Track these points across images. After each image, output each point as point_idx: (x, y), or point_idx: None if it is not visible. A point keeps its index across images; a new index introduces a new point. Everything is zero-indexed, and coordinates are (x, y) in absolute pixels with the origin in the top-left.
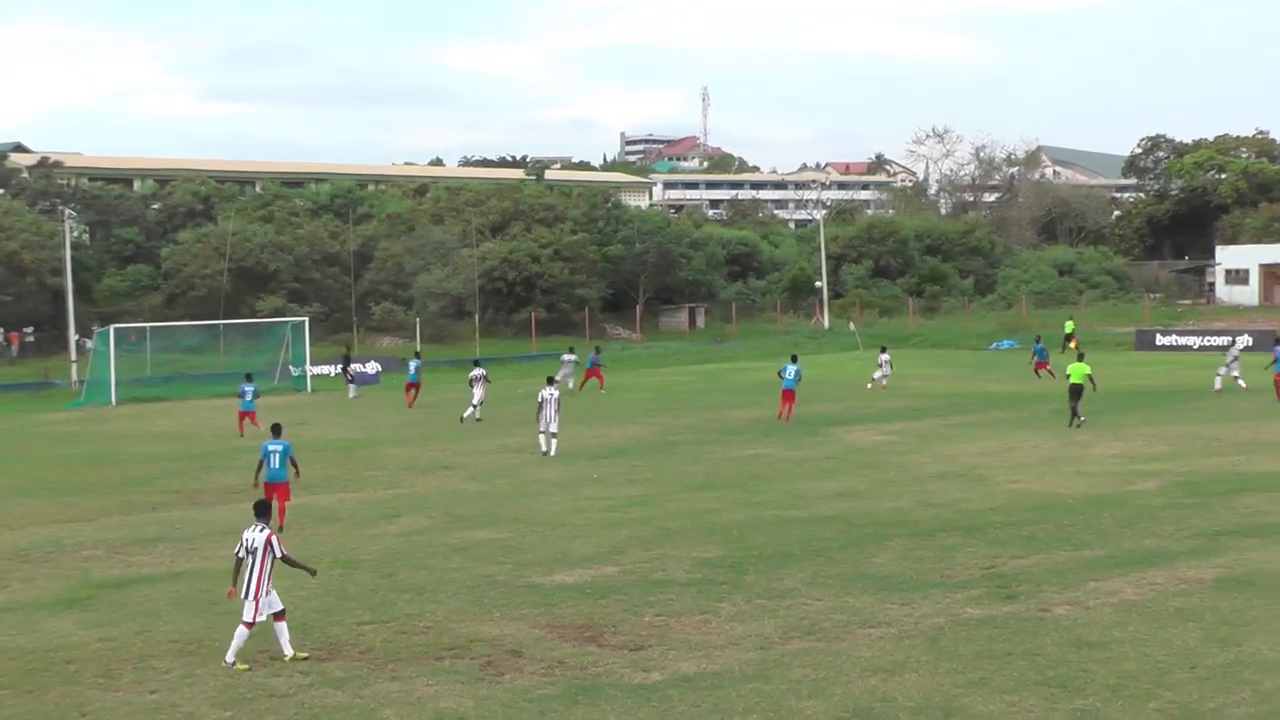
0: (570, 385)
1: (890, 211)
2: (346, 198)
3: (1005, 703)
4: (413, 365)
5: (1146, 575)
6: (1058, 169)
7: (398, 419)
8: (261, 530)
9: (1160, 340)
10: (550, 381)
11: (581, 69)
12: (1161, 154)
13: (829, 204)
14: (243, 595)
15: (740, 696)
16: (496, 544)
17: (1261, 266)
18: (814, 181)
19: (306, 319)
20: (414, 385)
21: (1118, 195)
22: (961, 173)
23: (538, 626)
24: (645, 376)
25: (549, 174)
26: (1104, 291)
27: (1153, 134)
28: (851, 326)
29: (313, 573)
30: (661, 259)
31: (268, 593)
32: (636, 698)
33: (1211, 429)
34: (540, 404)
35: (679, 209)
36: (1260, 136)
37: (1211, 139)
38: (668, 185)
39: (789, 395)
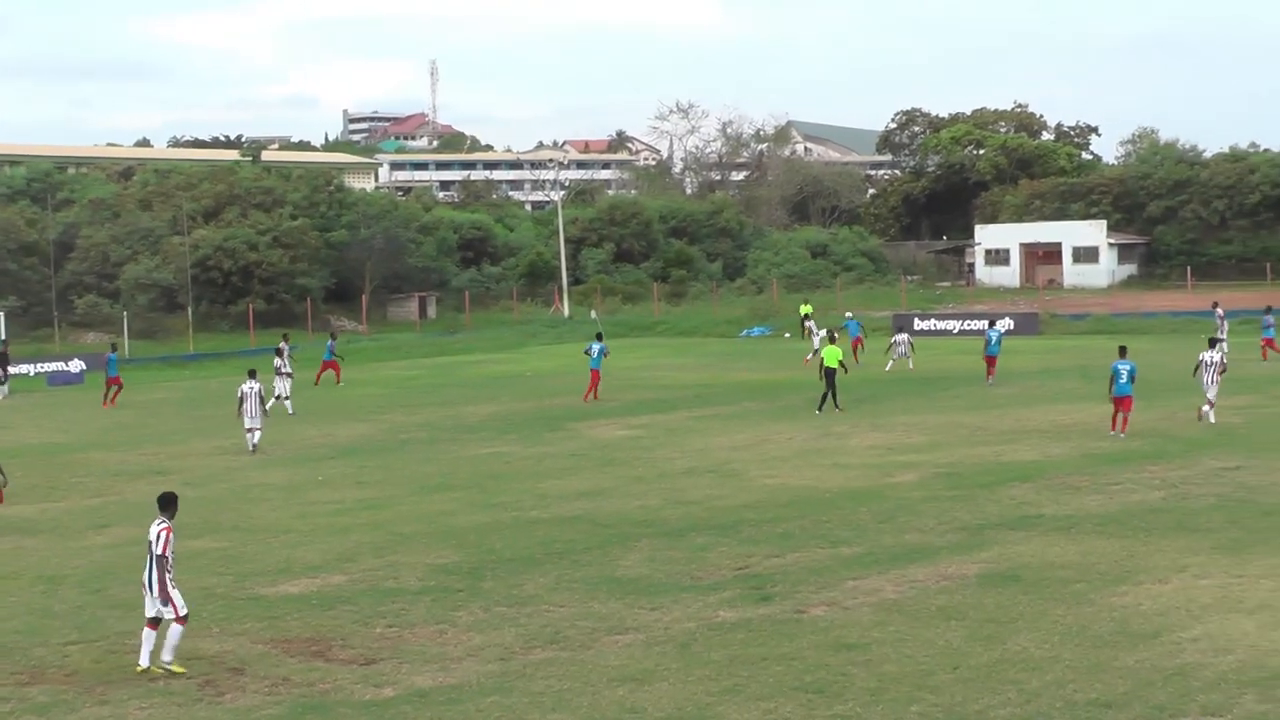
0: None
1: (633, 192)
2: (45, 181)
3: (761, 710)
4: (112, 359)
5: (907, 572)
6: (809, 145)
7: (105, 421)
8: (159, 524)
9: (918, 324)
10: (252, 375)
11: (302, 42)
12: (917, 129)
13: (567, 184)
14: (154, 594)
15: (480, 711)
16: (215, 554)
17: (1022, 246)
18: (551, 161)
19: (2, 314)
20: (113, 381)
21: (872, 173)
22: (708, 150)
23: (261, 641)
24: (373, 371)
25: (266, 155)
26: (860, 274)
27: (908, 108)
28: (593, 314)
29: (160, 597)
30: (389, 245)
31: (174, 585)
32: (368, 715)
33: (972, 417)
34: (240, 398)
35: (407, 191)
36: (1019, 110)
37: (969, 113)
38: (395, 166)
39: (595, 376)
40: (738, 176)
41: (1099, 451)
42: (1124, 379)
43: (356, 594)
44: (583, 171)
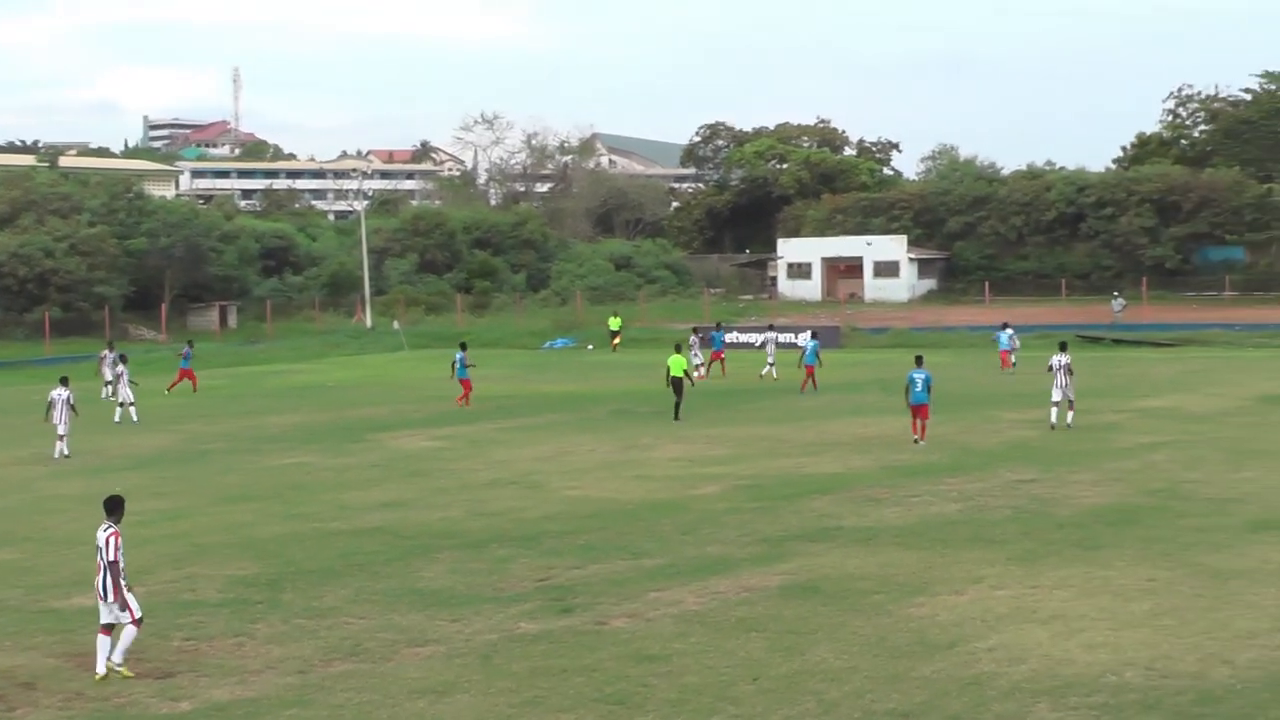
0: (107, 391)
1: (437, 202)
2: None
3: None
4: None
5: (709, 584)
6: (614, 158)
7: None
8: (105, 529)
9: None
10: (63, 382)
11: (100, 46)
12: (721, 143)
13: (371, 194)
14: (108, 599)
15: None
16: (7, 566)
17: (824, 260)
18: (355, 170)
19: None
20: None
21: (676, 186)
22: (512, 161)
23: (54, 655)
24: (173, 380)
25: (64, 161)
26: (663, 286)
27: (712, 121)
28: (396, 325)
29: (116, 599)
30: (189, 253)
31: (128, 588)
32: None
33: (775, 429)
34: (49, 405)
35: (208, 199)
36: (822, 125)
37: (772, 127)
38: (196, 174)
39: (465, 384)
40: (542, 188)
41: (899, 464)
42: (919, 388)
43: (153, 606)
44: (387, 181)
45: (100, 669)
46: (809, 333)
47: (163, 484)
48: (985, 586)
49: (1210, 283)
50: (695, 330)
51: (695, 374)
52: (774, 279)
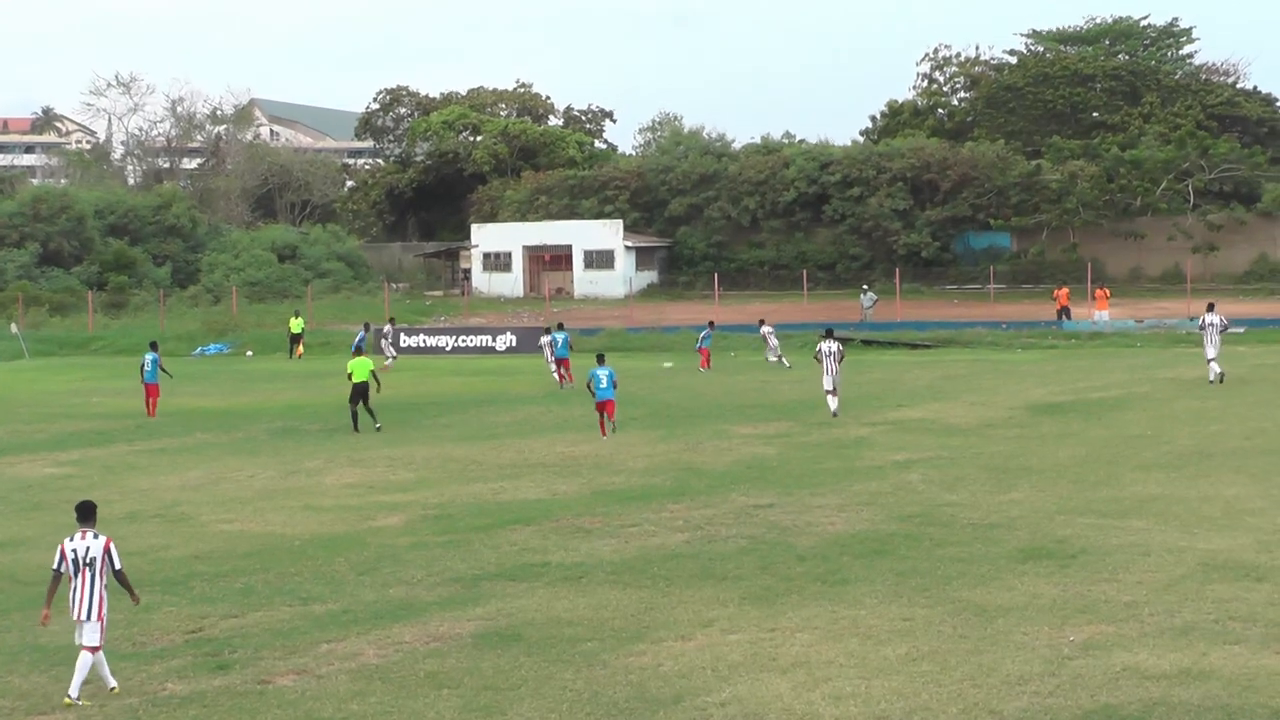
0: None
1: (63, 181)
2: None
3: None
4: None
5: (392, 632)
6: (276, 128)
7: None
8: (96, 537)
9: (405, 340)
10: None
11: None
12: (404, 111)
13: None
14: (82, 616)
15: None
16: None
17: (526, 249)
18: None
19: None
20: None
21: (351, 161)
22: (154, 133)
23: None
24: None
25: None
26: (335, 281)
27: (393, 86)
28: (14, 329)
29: (136, 600)
30: None
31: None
32: None
33: (466, 449)
34: None
35: None
36: (522, 90)
37: (464, 93)
38: None
39: (152, 389)
40: (191, 164)
41: (612, 488)
42: (604, 384)
43: None
44: (1, 155)
45: (112, 682)
46: (555, 325)
47: None
48: (716, 630)
49: (973, 274)
50: (367, 326)
51: (385, 365)
52: (467, 272)
